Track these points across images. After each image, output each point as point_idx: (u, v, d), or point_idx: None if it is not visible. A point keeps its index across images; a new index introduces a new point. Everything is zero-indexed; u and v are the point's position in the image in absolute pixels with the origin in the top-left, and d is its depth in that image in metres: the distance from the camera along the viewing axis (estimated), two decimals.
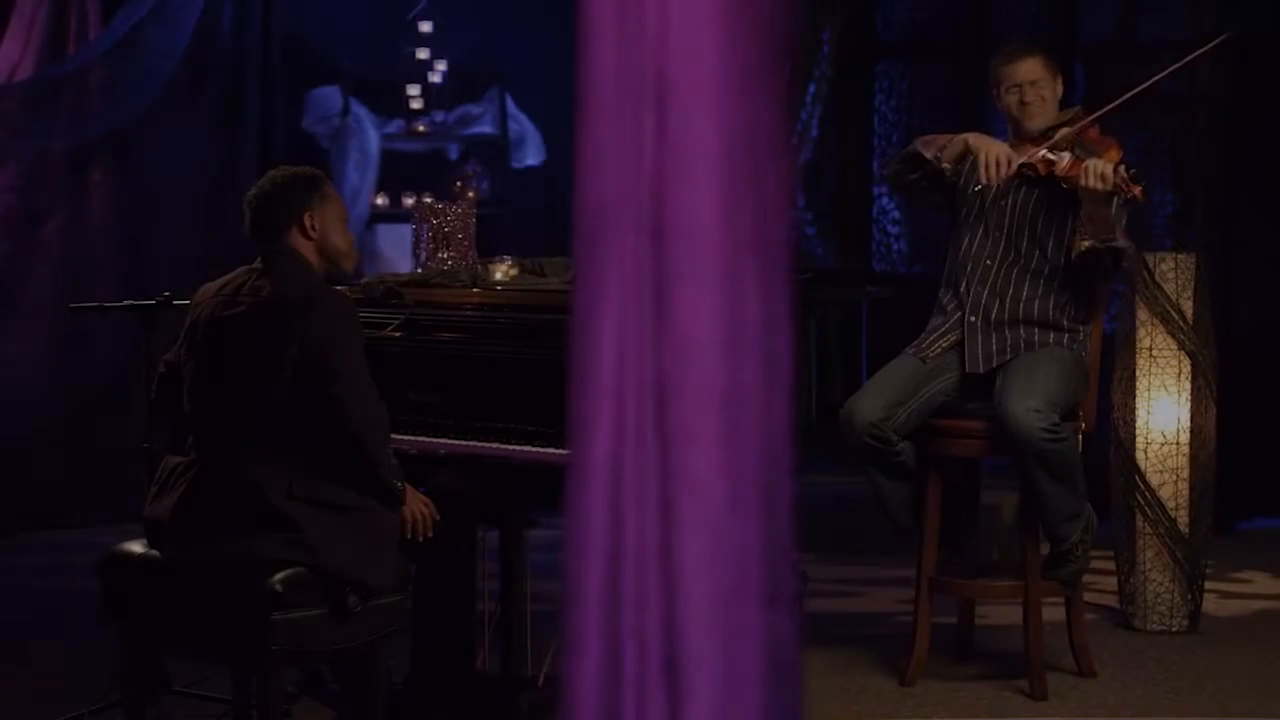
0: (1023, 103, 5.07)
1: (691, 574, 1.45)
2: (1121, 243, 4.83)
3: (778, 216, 1.46)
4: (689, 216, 1.44)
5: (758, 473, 1.47)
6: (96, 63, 7.59)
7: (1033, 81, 5.07)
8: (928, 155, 5.04)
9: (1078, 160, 4.91)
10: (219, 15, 7.97)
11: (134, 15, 7.64)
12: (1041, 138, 5.06)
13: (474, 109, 8.69)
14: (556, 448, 4.14)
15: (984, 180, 4.92)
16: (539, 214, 8.66)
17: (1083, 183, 4.78)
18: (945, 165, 5.01)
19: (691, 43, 1.42)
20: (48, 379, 7.48)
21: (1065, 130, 5.01)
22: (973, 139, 4.98)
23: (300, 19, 8.37)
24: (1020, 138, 5.11)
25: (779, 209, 1.46)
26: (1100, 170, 4.75)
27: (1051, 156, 4.95)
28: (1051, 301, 5.06)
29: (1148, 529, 5.66)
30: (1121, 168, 4.77)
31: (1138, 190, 4.79)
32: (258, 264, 4.15)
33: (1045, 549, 5.06)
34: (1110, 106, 5.07)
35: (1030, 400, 4.79)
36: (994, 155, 4.88)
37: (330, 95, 8.47)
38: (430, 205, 5.06)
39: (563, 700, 1.52)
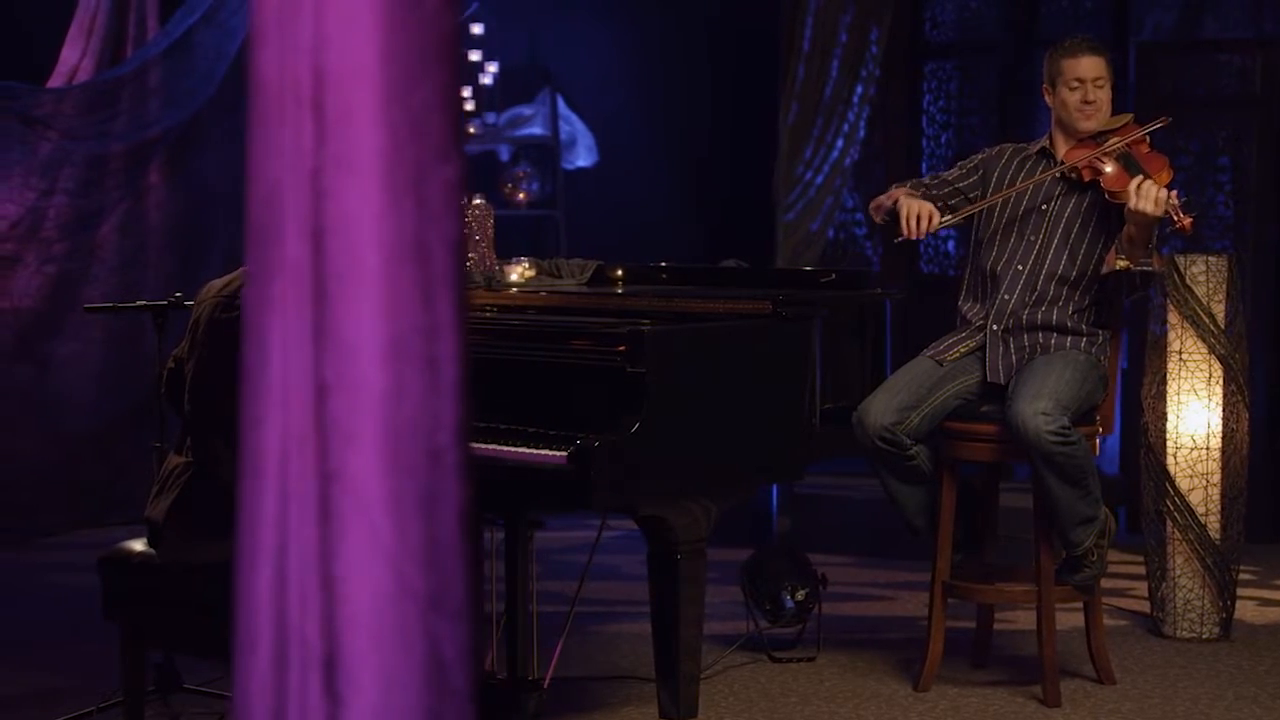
0: (1085, 101, 5.00)
1: (349, 575, 1.46)
2: (1153, 266, 4.78)
3: (443, 220, 1.47)
4: (347, 218, 1.45)
5: (418, 475, 1.47)
6: (152, 65, 7.68)
7: (1096, 79, 5.00)
8: (877, 220, 5.16)
9: (1125, 173, 4.85)
10: None
11: (188, 18, 7.73)
12: (1091, 142, 5.00)
13: (525, 110, 8.72)
14: (562, 450, 4.14)
15: (904, 234, 4.94)
16: (590, 215, 8.66)
17: (1133, 204, 4.74)
18: (888, 221, 5.06)
19: (349, 42, 1.42)
20: (103, 378, 7.57)
21: (1116, 140, 4.96)
22: (901, 199, 5.00)
23: None
24: (1068, 137, 5.06)
25: (444, 213, 1.47)
26: (1155, 195, 4.71)
27: (1099, 164, 4.91)
28: (1072, 308, 5.00)
29: (1177, 535, 5.59)
30: (1174, 194, 4.72)
31: (1187, 221, 4.75)
32: None
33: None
34: (1160, 122, 5.03)
35: (1039, 403, 4.73)
36: (914, 211, 4.91)
37: None
38: None
39: (234, 699, 1.54)
